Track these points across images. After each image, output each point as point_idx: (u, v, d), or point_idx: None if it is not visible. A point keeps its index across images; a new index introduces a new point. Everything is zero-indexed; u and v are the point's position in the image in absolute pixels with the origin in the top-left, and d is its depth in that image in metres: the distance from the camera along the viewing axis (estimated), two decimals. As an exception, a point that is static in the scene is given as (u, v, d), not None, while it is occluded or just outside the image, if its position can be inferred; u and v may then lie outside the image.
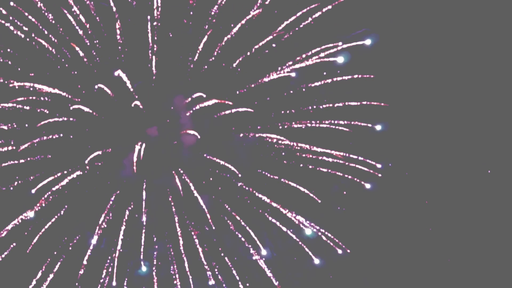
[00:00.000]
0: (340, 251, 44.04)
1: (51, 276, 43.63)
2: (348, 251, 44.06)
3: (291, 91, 44.85)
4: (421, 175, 45.69)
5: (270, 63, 44.79)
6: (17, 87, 42.70)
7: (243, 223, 44.27)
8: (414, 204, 45.75)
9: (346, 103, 44.21)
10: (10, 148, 43.16)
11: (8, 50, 43.79)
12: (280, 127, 44.88)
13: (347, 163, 44.14)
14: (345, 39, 43.88)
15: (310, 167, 44.61)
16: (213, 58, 44.90)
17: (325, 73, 44.32)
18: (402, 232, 45.66)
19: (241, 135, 45.01)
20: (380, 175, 44.13)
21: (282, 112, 45.06)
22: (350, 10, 44.63)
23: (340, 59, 43.79)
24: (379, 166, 44.15)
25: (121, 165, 44.78)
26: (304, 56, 44.03)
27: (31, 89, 42.94)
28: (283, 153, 44.81)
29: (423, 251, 45.84)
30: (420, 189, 45.74)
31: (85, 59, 44.24)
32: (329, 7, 43.86)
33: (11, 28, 43.23)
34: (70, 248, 44.19)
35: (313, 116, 44.54)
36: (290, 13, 44.24)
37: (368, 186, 44.35)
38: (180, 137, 45.29)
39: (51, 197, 43.24)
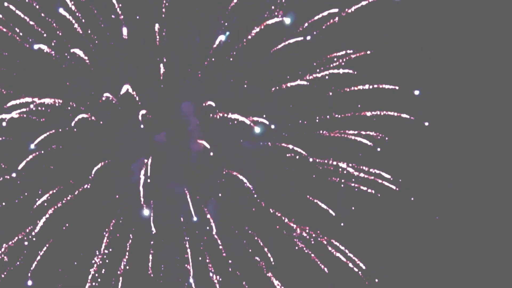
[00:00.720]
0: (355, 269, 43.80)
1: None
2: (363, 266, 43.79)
3: (301, 100, 44.71)
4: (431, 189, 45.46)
5: (280, 71, 44.58)
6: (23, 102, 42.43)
7: (251, 233, 44.12)
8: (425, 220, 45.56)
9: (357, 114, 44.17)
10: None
11: (17, 61, 43.60)
12: (286, 135, 44.70)
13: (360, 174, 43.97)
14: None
15: (314, 176, 44.46)
16: (220, 67, 44.80)
17: (333, 87, 44.05)
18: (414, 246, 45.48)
19: (252, 143, 44.75)
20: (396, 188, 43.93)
21: (289, 124, 44.88)
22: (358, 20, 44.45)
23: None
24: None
25: (129, 171, 44.46)
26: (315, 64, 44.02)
27: (35, 102, 42.63)
28: (294, 163, 44.57)
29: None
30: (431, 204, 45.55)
31: (92, 69, 44.05)
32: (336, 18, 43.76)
33: (14, 36, 43.08)
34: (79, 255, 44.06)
35: (325, 126, 44.41)
36: (300, 21, 44.12)
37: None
38: (189, 144, 45.01)
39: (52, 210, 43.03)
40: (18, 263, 42.99)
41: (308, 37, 43.84)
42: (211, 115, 44.21)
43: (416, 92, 43.44)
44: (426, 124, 43.96)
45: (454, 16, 46.15)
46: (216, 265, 43.77)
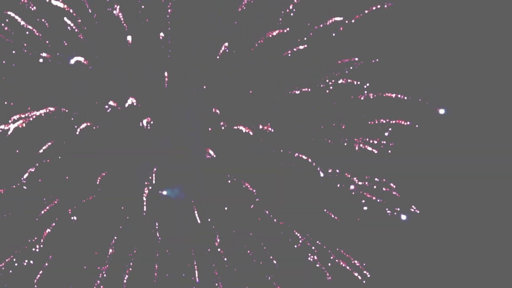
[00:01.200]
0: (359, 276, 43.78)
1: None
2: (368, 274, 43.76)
3: (307, 108, 44.56)
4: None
5: (285, 79, 44.42)
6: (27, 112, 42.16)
7: (255, 240, 44.07)
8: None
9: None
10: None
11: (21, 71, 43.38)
12: (291, 143, 44.57)
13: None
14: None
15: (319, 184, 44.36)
16: (225, 75, 44.59)
17: (338, 95, 43.97)
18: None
19: (257, 151, 44.61)
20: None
21: (294, 132, 44.72)
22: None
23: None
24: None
25: (134, 180, 44.31)
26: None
27: (38, 112, 42.40)
28: (299, 170, 44.45)
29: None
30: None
31: (95, 77, 43.89)
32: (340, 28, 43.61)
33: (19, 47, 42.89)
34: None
35: (330, 134, 44.28)
36: (305, 29, 43.91)
37: (404, 217, 44.06)
38: (194, 152, 44.89)
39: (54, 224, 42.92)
40: (22, 274, 42.99)
41: (313, 45, 43.75)
42: (216, 122, 44.12)
43: (442, 111, 43.25)
44: (433, 131, 43.88)
45: (457, 24, 46.02)
46: (222, 275, 43.80)
